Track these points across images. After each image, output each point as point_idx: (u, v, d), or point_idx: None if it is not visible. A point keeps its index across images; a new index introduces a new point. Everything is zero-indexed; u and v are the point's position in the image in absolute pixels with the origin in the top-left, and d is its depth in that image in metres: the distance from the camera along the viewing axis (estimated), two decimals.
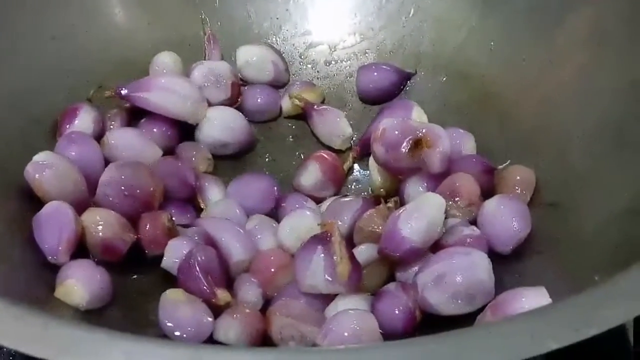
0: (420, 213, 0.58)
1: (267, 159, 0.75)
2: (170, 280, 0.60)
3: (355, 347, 0.49)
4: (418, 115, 0.71)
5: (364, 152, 0.73)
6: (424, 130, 0.63)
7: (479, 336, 0.40)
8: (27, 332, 0.40)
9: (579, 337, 0.39)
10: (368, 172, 0.71)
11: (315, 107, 0.75)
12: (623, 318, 0.40)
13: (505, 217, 0.62)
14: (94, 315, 0.58)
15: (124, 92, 0.70)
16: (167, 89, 0.70)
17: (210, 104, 0.73)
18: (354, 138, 0.75)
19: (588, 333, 0.39)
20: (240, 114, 0.74)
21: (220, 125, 0.72)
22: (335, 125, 0.74)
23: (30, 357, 0.39)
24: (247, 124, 0.74)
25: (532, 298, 0.53)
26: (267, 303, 0.60)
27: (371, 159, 0.68)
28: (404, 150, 0.63)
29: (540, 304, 0.51)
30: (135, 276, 0.63)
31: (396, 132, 0.64)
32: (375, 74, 0.78)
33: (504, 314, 0.54)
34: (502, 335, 0.39)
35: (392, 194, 0.66)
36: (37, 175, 0.61)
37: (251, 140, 0.75)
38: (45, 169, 0.61)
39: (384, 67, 0.78)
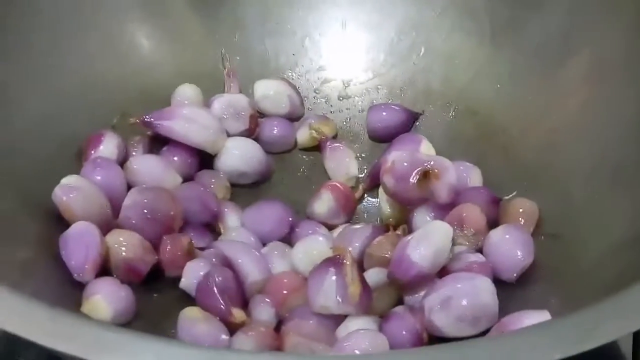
0: (429, 240, 0.60)
1: (281, 188, 0.77)
2: (188, 300, 0.62)
3: (367, 355, 0.52)
4: (426, 148, 0.74)
5: (374, 183, 0.75)
6: (431, 163, 0.65)
7: (484, 347, 0.42)
8: (62, 331, 0.42)
9: (581, 349, 0.40)
10: (378, 201, 0.73)
11: (329, 142, 0.77)
12: (622, 332, 0.42)
13: (510, 246, 0.64)
14: None
15: (148, 119, 0.72)
16: (189, 118, 0.72)
17: (229, 135, 0.75)
18: (365, 170, 0.77)
19: (589, 345, 0.40)
20: (258, 145, 0.76)
21: (239, 155, 0.74)
22: (344, 164, 0.76)
23: None
24: (265, 155, 0.76)
25: (535, 320, 0.54)
26: (280, 323, 0.61)
27: (381, 190, 0.70)
28: (412, 181, 0.65)
29: None
30: (155, 295, 0.64)
31: (405, 164, 0.66)
32: (385, 113, 0.80)
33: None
34: (506, 346, 0.41)
35: (401, 223, 0.68)
36: (64, 198, 0.64)
37: (268, 171, 0.77)
38: (73, 191, 0.64)
39: (393, 106, 0.80)
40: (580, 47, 0.72)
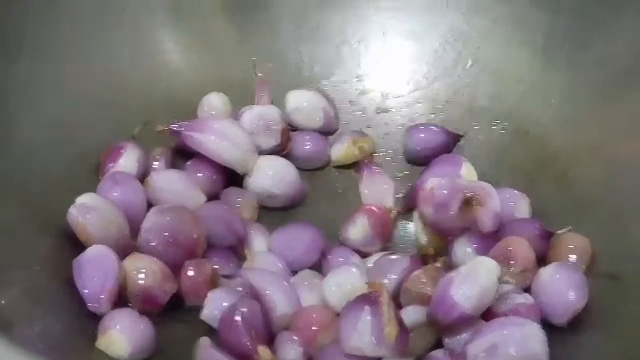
0: (474, 278, 0.56)
1: (313, 208, 0.73)
2: (209, 332, 0.58)
3: None
4: (467, 172, 0.70)
5: (409, 207, 0.71)
6: (473, 189, 0.62)
7: None
8: None
9: None
10: (413, 225, 0.69)
11: (370, 164, 0.73)
12: None
13: (562, 287, 0.59)
14: None
15: (177, 128, 0.69)
16: (221, 133, 0.68)
17: (259, 150, 0.71)
18: (400, 194, 0.73)
19: None
20: (294, 167, 0.72)
21: (272, 176, 0.70)
22: (379, 193, 0.72)
23: None
24: (300, 178, 0.72)
25: None
26: None
27: (416, 218, 0.66)
28: (453, 210, 0.61)
29: None
30: (172, 326, 0.61)
31: (444, 192, 0.62)
32: (423, 135, 0.75)
33: None
34: None
35: (440, 252, 0.65)
36: (80, 218, 0.60)
37: (301, 196, 0.72)
38: (90, 211, 0.60)
39: (432, 127, 0.75)
40: None
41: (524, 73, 0.76)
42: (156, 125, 0.70)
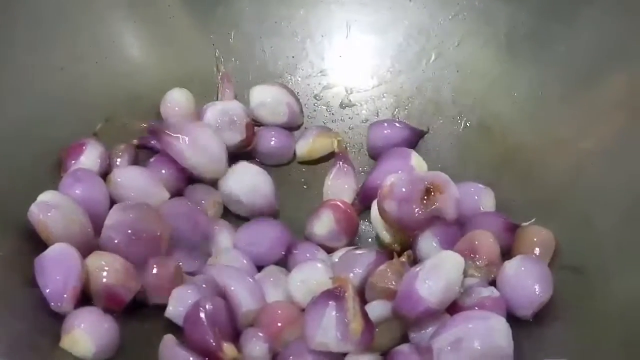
0: (439, 272, 0.56)
1: (278, 204, 0.71)
2: (174, 330, 0.58)
3: None
4: (417, 162, 0.69)
5: (363, 206, 0.71)
6: (431, 179, 0.62)
7: None
8: None
9: None
10: (369, 224, 0.69)
11: (343, 160, 0.72)
12: None
13: (527, 280, 0.60)
14: None
15: (155, 129, 0.67)
16: (195, 140, 0.67)
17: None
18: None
19: None
20: (271, 181, 0.70)
21: (247, 185, 0.69)
22: (341, 190, 0.72)
23: None
24: (274, 194, 0.70)
25: None
26: (274, 357, 0.57)
27: (375, 217, 0.66)
28: (416, 203, 0.61)
29: None
30: (137, 325, 0.60)
31: (404, 187, 0.62)
32: (387, 131, 0.75)
33: None
34: None
35: (405, 247, 0.64)
36: (42, 216, 0.59)
37: (269, 211, 0.70)
38: (51, 209, 0.59)
39: (395, 123, 0.75)
40: (617, 69, 0.67)
41: (488, 68, 0.75)
42: (118, 121, 0.69)
